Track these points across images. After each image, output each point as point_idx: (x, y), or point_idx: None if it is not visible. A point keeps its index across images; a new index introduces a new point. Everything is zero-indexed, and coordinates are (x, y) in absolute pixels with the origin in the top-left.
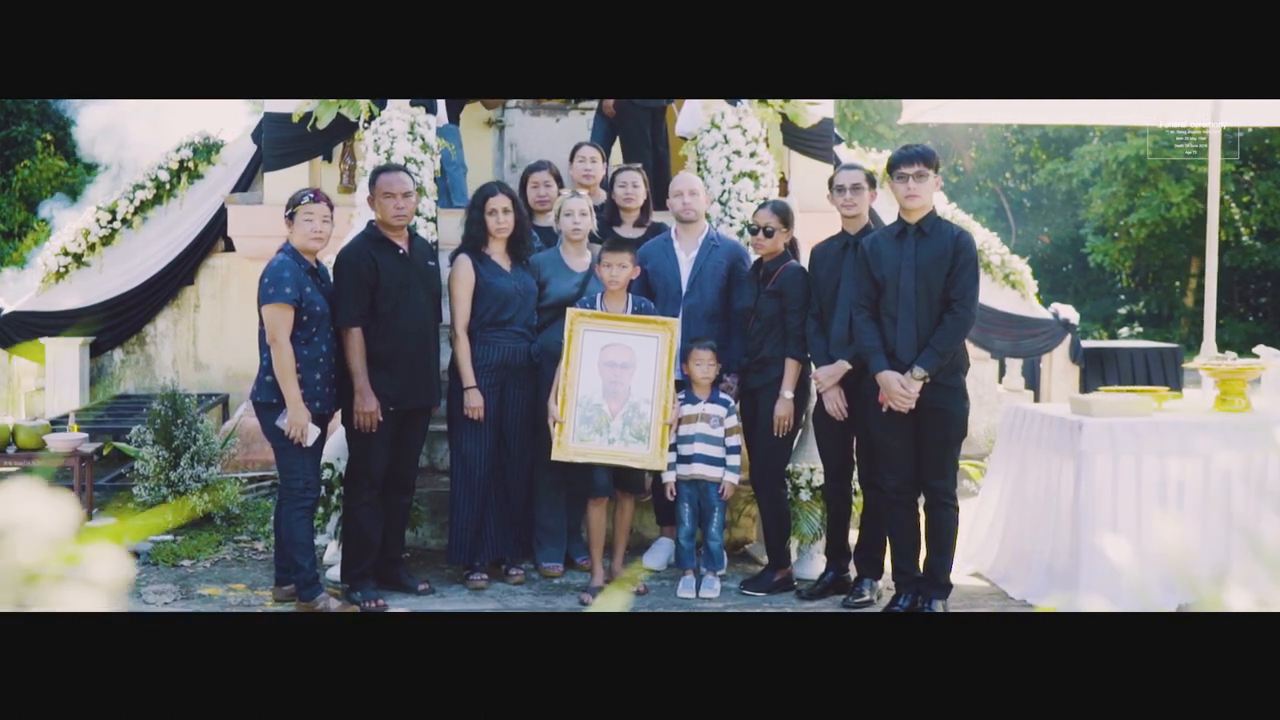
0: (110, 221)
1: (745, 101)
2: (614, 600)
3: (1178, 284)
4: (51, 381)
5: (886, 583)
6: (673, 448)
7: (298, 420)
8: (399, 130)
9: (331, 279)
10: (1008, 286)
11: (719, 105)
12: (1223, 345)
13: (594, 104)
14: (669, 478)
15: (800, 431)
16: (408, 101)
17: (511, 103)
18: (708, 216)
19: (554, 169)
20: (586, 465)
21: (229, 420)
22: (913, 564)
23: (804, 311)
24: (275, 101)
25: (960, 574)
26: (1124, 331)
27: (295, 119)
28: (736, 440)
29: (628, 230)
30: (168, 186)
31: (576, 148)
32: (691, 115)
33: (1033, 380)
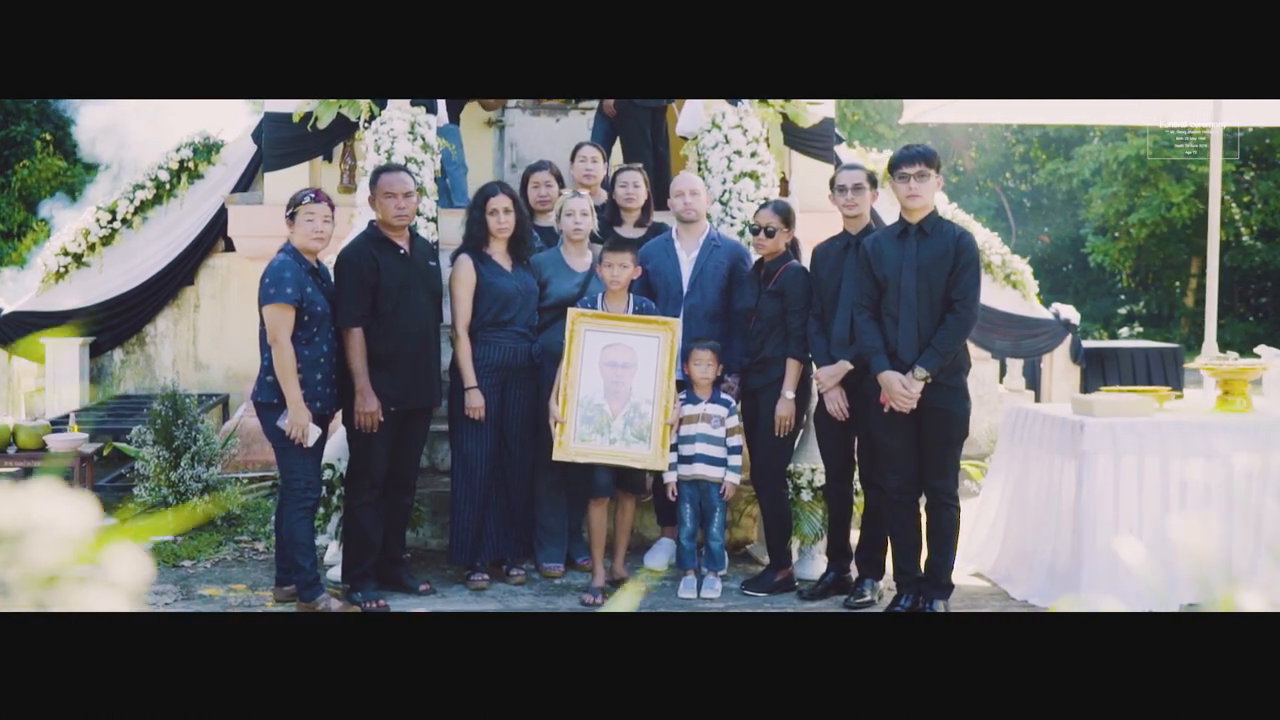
0: (110, 221)
1: (746, 101)
2: (625, 600)
3: (1178, 284)
4: (51, 381)
5: (888, 583)
6: (674, 448)
7: (299, 420)
8: (399, 130)
9: (332, 279)
10: (1009, 287)
11: (720, 105)
12: (1223, 345)
13: (594, 104)
14: (670, 478)
15: (801, 432)
16: (408, 101)
17: (511, 103)
18: (708, 216)
19: (555, 169)
20: (588, 465)
21: (229, 420)
22: (914, 564)
23: (805, 311)
24: (275, 101)
25: (961, 574)
26: (1124, 331)
27: (295, 119)
28: (738, 440)
29: (628, 230)
30: (168, 186)
31: (577, 148)
32: (692, 115)
33: (1033, 380)
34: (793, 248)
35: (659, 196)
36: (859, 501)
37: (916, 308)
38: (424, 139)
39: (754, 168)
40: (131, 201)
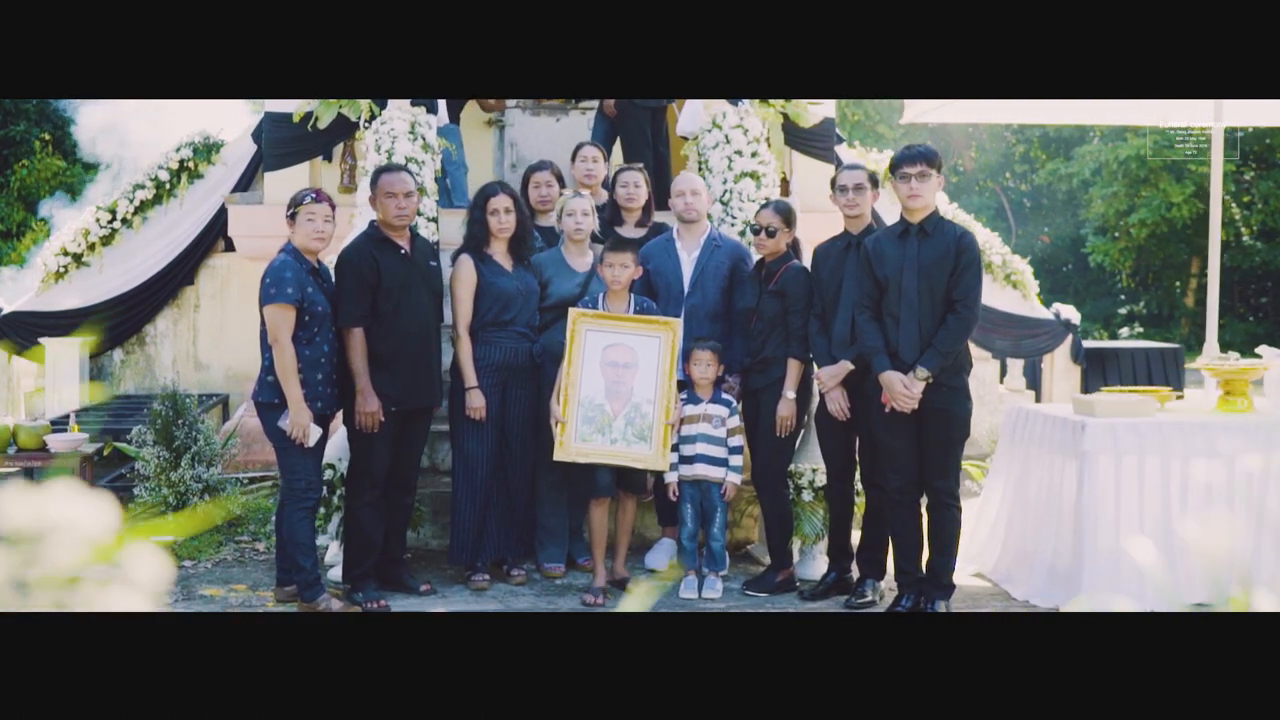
0: (110, 221)
1: (746, 101)
2: (635, 601)
3: (1178, 284)
4: (51, 381)
5: (889, 583)
6: (675, 448)
7: (300, 420)
8: (400, 130)
9: (333, 279)
10: (1009, 287)
11: (720, 105)
12: (1223, 345)
13: (594, 104)
14: (671, 478)
15: (802, 432)
16: (408, 101)
17: (511, 103)
18: (709, 216)
19: (556, 169)
20: (589, 465)
21: (229, 420)
22: (915, 564)
23: (806, 311)
24: (275, 101)
25: (963, 574)
26: (1124, 331)
27: (296, 119)
28: (739, 440)
29: (629, 230)
30: (168, 186)
31: (578, 147)
32: (693, 115)
33: (1034, 380)
34: (794, 248)
35: (659, 196)
36: (860, 502)
37: (918, 308)
38: (424, 139)
39: (755, 168)
40: (131, 201)
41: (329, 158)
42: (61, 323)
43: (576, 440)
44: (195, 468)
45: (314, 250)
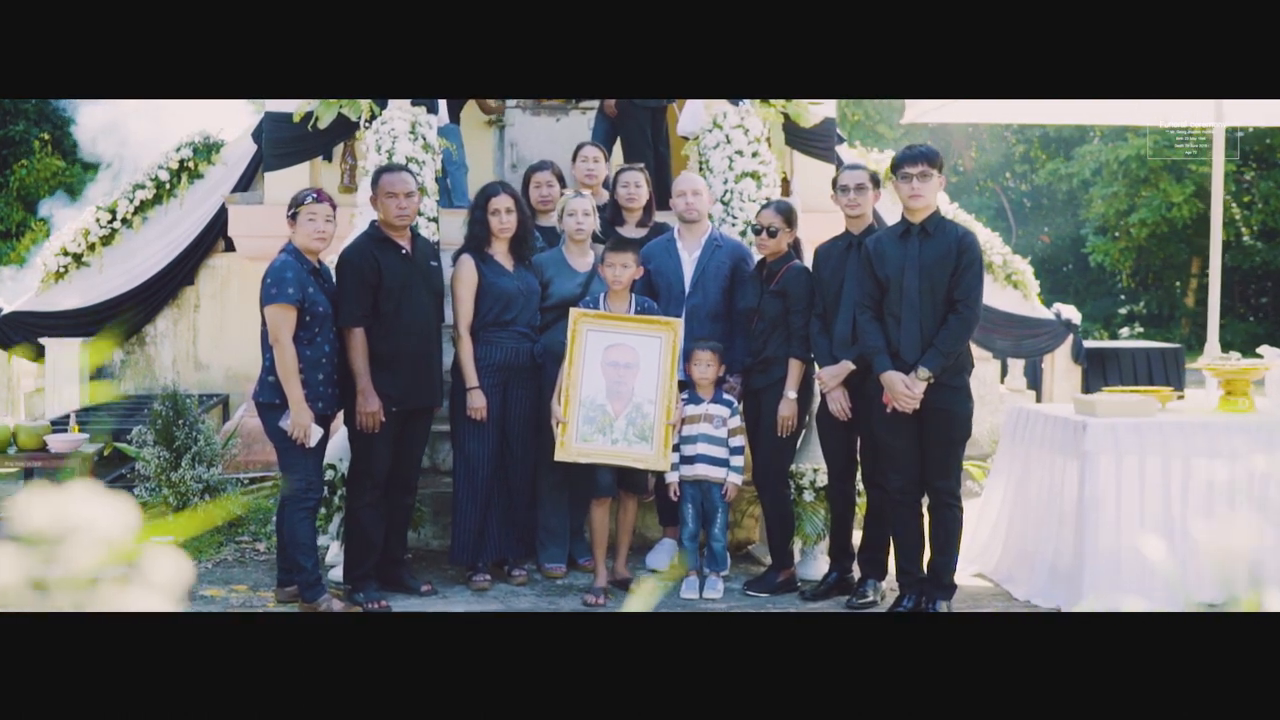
0: (110, 221)
1: (747, 101)
2: (639, 601)
3: (1178, 284)
4: (51, 381)
5: (890, 583)
6: (676, 448)
7: (301, 421)
8: (400, 130)
9: (334, 279)
10: (1010, 286)
11: (721, 105)
12: (1224, 345)
13: (595, 104)
14: (672, 478)
15: (804, 432)
16: (409, 101)
17: (512, 103)
18: (710, 216)
19: (556, 169)
20: (590, 466)
21: (229, 421)
22: (916, 565)
23: (807, 312)
24: (276, 101)
25: (964, 575)
26: (1124, 332)
27: (296, 119)
28: (740, 441)
29: (630, 230)
30: (168, 186)
31: (579, 147)
32: (693, 115)
33: (1035, 380)
34: (795, 248)
35: (660, 196)
36: (861, 502)
37: (919, 308)
38: (425, 139)
39: (755, 168)
40: (131, 201)
41: (329, 158)
42: (61, 323)
43: (577, 440)
44: (195, 468)
45: (315, 250)
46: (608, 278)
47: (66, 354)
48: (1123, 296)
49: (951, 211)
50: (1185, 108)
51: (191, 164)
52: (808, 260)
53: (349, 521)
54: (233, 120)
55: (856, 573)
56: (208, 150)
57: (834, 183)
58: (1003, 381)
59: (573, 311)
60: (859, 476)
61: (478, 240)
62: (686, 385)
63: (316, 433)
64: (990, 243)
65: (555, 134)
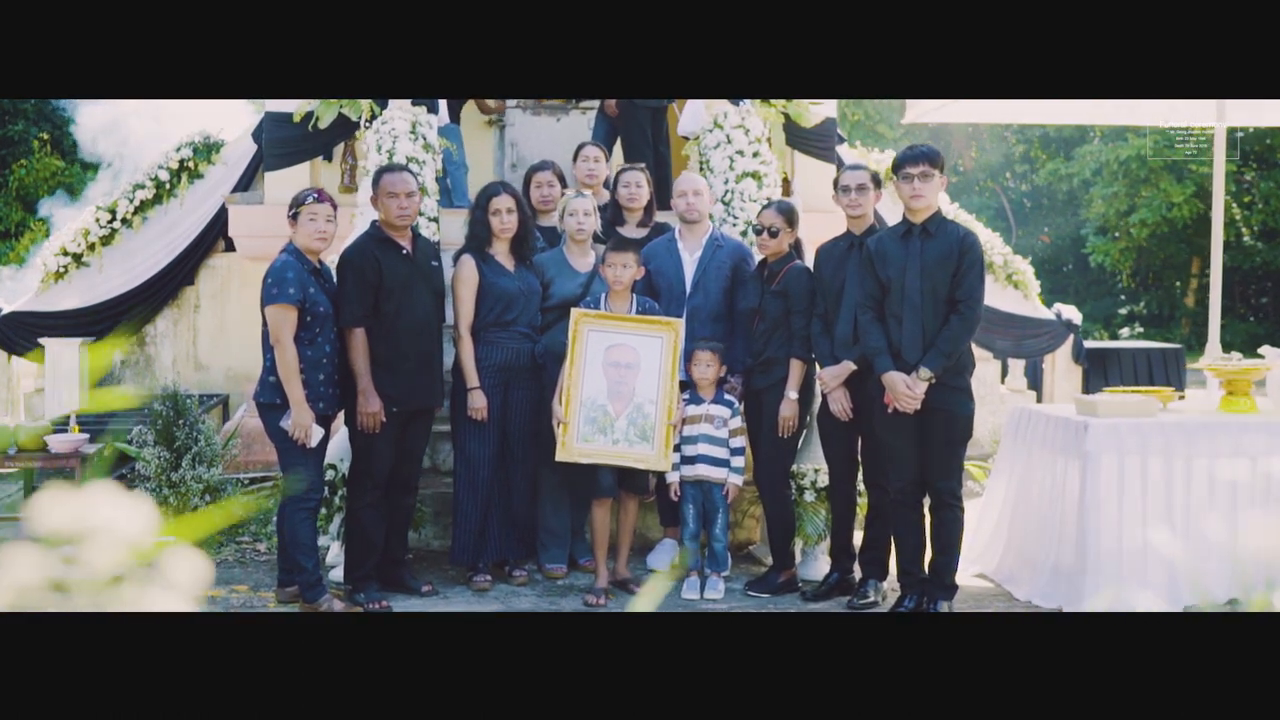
0: (110, 221)
1: (748, 101)
2: (645, 601)
3: (1178, 284)
4: (51, 382)
5: (891, 584)
6: (677, 448)
7: (302, 421)
8: (401, 130)
9: (334, 279)
10: (1010, 287)
11: (722, 105)
12: (1224, 346)
13: (595, 103)
14: (673, 478)
15: (805, 432)
16: (409, 101)
17: (512, 102)
18: (711, 217)
19: (557, 169)
20: (590, 466)
21: (229, 421)
22: (918, 565)
23: (809, 312)
24: (276, 101)
25: (965, 575)
26: (1124, 332)
27: (296, 118)
28: (741, 441)
29: (631, 230)
30: (168, 186)
31: (580, 147)
32: (694, 115)
33: (1035, 381)
34: (796, 248)
35: (660, 197)
36: (862, 502)
37: (920, 308)
38: (425, 139)
39: (756, 168)
40: (131, 201)
41: (329, 158)
42: (61, 323)
43: (578, 440)
44: (196, 468)
45: (316, 250)
46: (609, 278)
47: (66, 354)
48: (1123, 297)
49: (952, 212)
50: (1186, 108)
51: (191, 164)
52: (809, 260)
53: (350, 522)
54: (233, 120)
55: (858, 573)
56: (208, 150)
57: (835, 183)
58: (1003, 382)
59: (574, 312)
60: (860, 477)
61: (479, 240)
62: (687, 385)
63: (317, 433)
64: (991, 243)
65: (555, 134)
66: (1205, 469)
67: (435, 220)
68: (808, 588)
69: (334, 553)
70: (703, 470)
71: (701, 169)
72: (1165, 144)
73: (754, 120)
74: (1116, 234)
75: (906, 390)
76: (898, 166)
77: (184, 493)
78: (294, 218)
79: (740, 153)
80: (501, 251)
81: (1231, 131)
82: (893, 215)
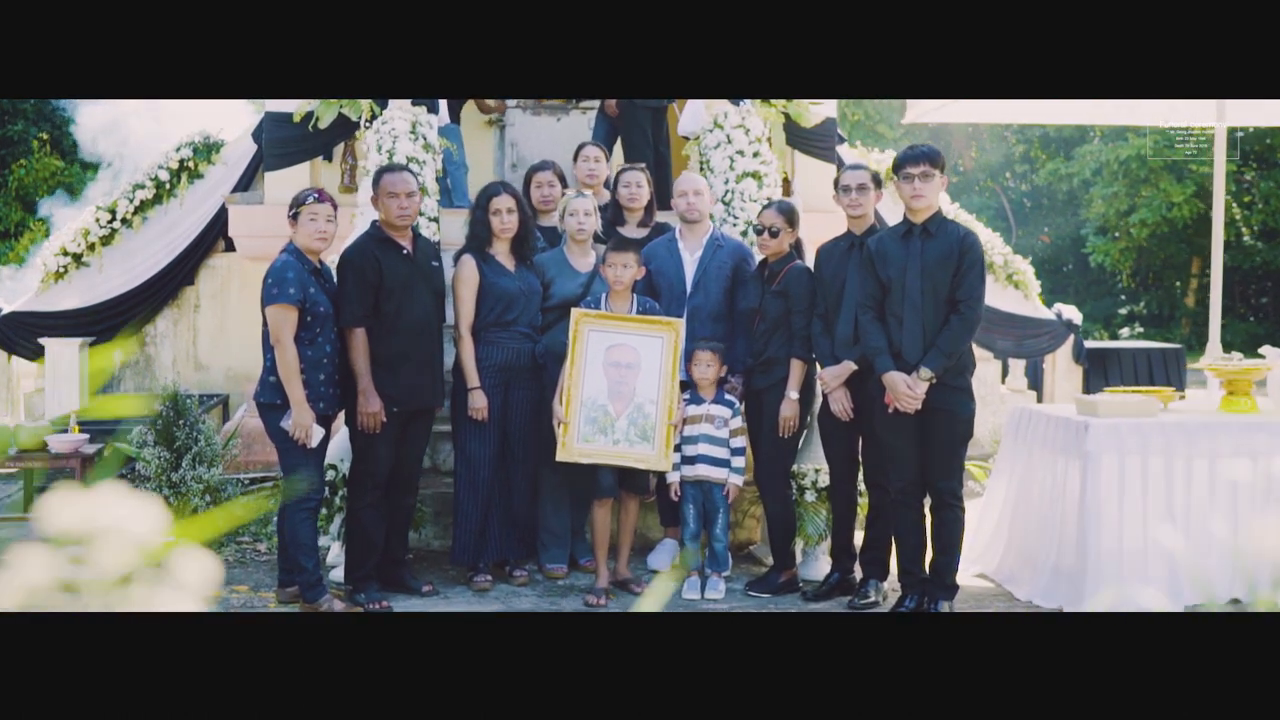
0: (110, 221)
1: (748, 101)
2: (651, 601)
3: (1178, 284)
4: (51, 382)
5: (892, 584)
6: (677, 448)
7: (302, 421)
8: (401, 130)
9: (335, 279)
10: (1011, 287)
11: (722, 105)
12: (1224, 346)
13: (595, 103)
14: (673, 478)
15: (805, 432)
16: (409, 101)
17: (512, 102)
18: (711, 217)
19: (558, 169)
20: (591, 466)
21: (229, 421)
22: (918, 565)
23: (809, 312)
24: (276, 101)
25: (966, 575)
26: (1124, 332)
27: (296, 118)
28: (741, 441)
29: (631, 230)
30: (168, 186)
31: (580, 147)
32: (694, 115)
33: (1036, 381)
34: (796, 248)
35: (661, 197)
36: (863, 502)
37: (921, 308)
38: (425, 139)
39: (757, 168)
40: (131, 201)
41: (329, 157)
42: (61, 323)
43: (579, 441)
44: (196, 468)
45: (316, 250)
46: (609, 278)
47: (66, 354)
48: (1123, 297)
49: (952, 212)
50: (1186, 108)
51: (191, 164)
52: (809, 260)
53: (350, 522)
54: (233, 120)
55: (858, 573)
56: (208, 150)
57: (836, 183)
58: (1004, 382)
59: (574, 312)
60: (861, 477)
61: (479, 240)
62: (688, 385)
63: (318, 433)
64: (991, 243)
65: (556, 134)
66: (1206, 469)
67: (435, 220)
68: (808, 588)
69: (334, 553)
70: (703, 470)
71: (702, 169)
72: (1165, 144)
73: (754, 120)
74: (1116, 234)
75: (907, 390)
76: (898, 166)
77: (184, 493)
78: (294, 218)
79: (740, 153)
80: (502, 251)
81: (1232, 131)
82: (893, 215)
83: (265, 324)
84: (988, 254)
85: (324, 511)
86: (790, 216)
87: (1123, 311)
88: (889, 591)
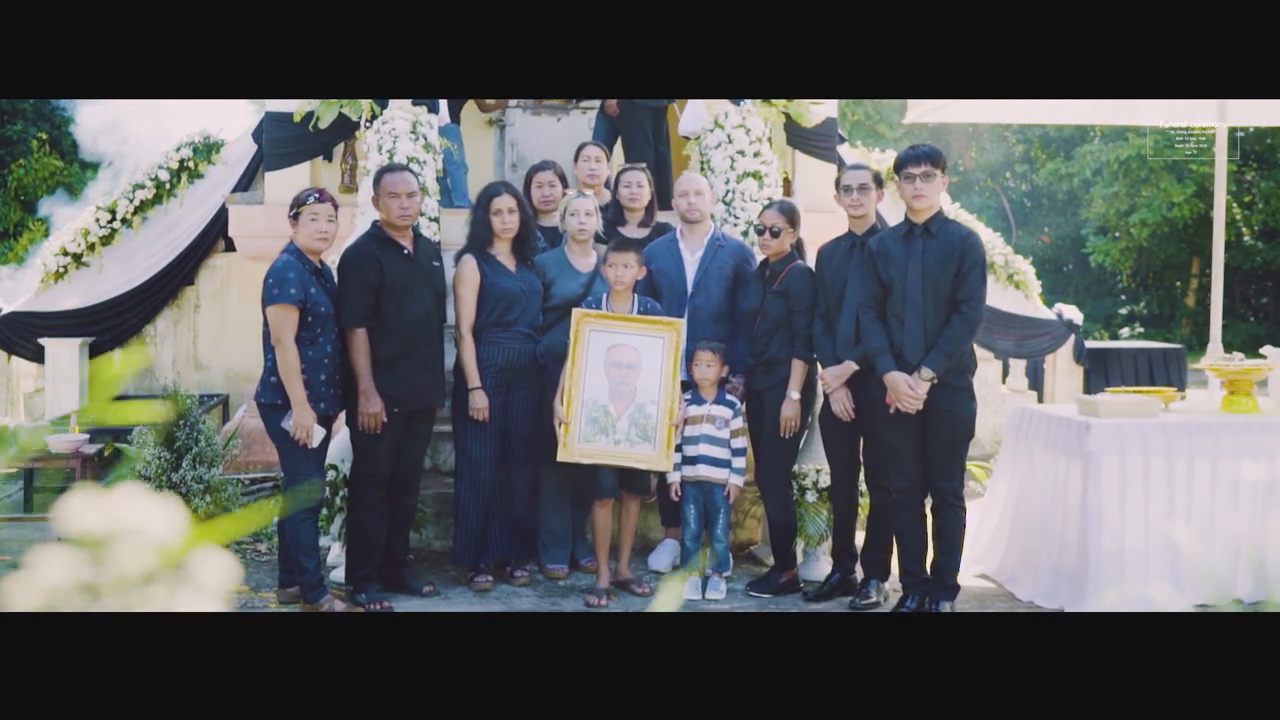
0: (110, 221)
1: (749, 101)
2: (665, 601)
3: (1179, 284)
4: (50, 382)
5: (893, 584)
6: (678, 448)
7: (303, 421)
8: (401, 130)
9: (335, 279)
10: (1011, 287)
11: (722, 105)
12: (1225, 346)
13: (595, 103)
14: (674, 479)
15: (806, 433)
16: (409, 101)
17: (512, 102)
18: (712, 217)
19: (558, 169)
20: (592, 466)
21: (230, 421)
22: (920, 565)
23: (810, 312)
24: (276, 101)
25: (967, 575)
26: (1125, 332)
27: (296, 118)
28: (742, 442)
29: (632, 230)
30: (168, 186)
31: (581, 147)
32: (694, 115)
33: (1036, 381)
34: (797, 248)
35: (661, 197)
36: (864, 503)
37: (922, 308)
38: (426, 139)
39: (757, 167)
40: (131, 201)
41: (330, 157)
42: (61, 323)
43: (580, 441)
44: (196, 469)
45: (317, 250)
46: (610, 278)
47: (66, 354)
48: (1123, 297)
49: (953, 212)
50: (1187, 108)
51: (191, 164)
52: (810, 260)
53: (351, 522)
54: (233, 120)
55: (859, 573)
56: (208, 150)
57: (837, 183)
58: (1004, 382)
59: (575, 312)
60: (862, 477)
61: (480, 240)
62: (689, 386)
63: (319, 433)
64: (992, 243)
65: (556, 134)
66: (1208, 469)
67: (436, 220)
68: (809, 588)
69: (335, 553)
70: (704, 470)
71: (702, 169)
72: (1165, 144)
73: (755, 120)
74: (1117, 234)
75: (908, 390)
76: (900, 166)
77: (184, 494)
78: (295, 218)
79: (741, 152)
80: (503, 252)
81: (1232, 131)
82: (894, 215)
83: (266, 324)
84: (988, 254)
85: (325, 512)
86: (791, 216)
87: (1123, 311)
88: (890, 592)
